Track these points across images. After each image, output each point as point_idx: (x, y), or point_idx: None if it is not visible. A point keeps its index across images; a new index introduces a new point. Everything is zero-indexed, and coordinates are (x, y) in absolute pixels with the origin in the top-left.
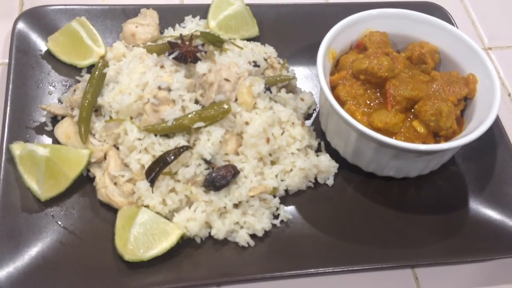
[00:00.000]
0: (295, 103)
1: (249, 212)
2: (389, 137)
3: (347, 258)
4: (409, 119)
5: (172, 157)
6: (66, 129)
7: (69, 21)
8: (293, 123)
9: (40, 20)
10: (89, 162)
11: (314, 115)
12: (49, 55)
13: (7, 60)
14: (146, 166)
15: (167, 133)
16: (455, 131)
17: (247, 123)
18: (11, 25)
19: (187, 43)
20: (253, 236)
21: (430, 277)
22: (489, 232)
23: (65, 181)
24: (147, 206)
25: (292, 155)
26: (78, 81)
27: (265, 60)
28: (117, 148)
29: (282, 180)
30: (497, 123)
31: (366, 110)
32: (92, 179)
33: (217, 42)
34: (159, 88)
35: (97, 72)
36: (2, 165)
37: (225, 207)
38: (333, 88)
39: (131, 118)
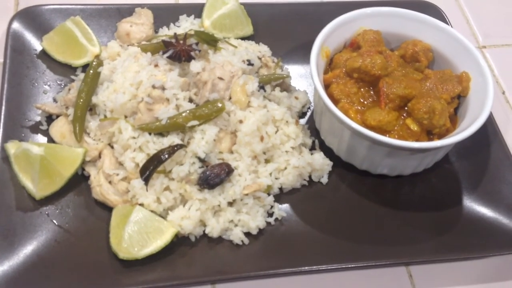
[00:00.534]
0: (289, 101)
1: (243, 210)
2: (382, 135)
3: (341, 255)
4: (402, 117)
5: (166, 156)
6: (60, 128)
7: (63, 20)
8: (287, 121)
9: (35, 19)
10: (84, 160)
11: (308, 114)
12: (44, 55)
13: (2, 60)
14: (141, 165)
15: (161, 132)
16: (448, 129)
17: (241, 122)
18: (6, 24)
19: (181, 42)
20: (247, 234)
21: (424, 275)
22: (483, 230)
23: (60, 179)
24: (141, 205)
25: (286, 153)
26: (73, 80)
27: (259, 58)
28: (112, 147)
29: (276, 178)
30: (490, 121)
31: (359, 108)
32: (87, 177)
33: (211, 41)
34: (153, 87)
35: (91, 71)
36: None
37: (219, 205)
38: (326, 87)
39: (126, 117)
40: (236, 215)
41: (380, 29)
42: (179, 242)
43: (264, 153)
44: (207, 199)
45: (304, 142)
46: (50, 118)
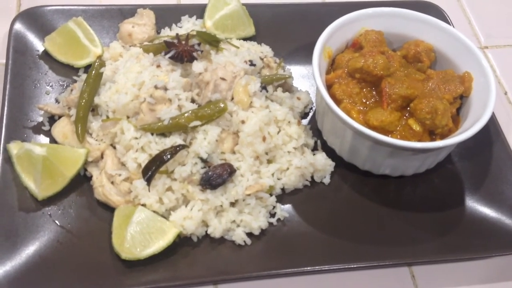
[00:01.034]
0: (291, 102)
1: (245, 211)
2: (384, 135)
3: (344, 256)
4: (404, 117)
5: (169, 156)
6: (63, 129)
7: (66, 21)
8: (289, 122)
9: (37, 20)
10: (86, 161)
11: (310, 114)
12: (46, 55)
13: (4, 60)
14: (143, 165)
15: (163, 132)
16: (450, 129)
17: (243, 122)
18: (8, 25)
19: (183, 42)
20: (249, 234)
21: (427, 275)
22: (485, 230)
23: (62, 180)
24: (143, 205)
25: (289, 153)
26: (75, 81)
27: (261, 59)
28: (114, 147)
29: (278, 179)
30: (493, 121)
31: (361, 108)
32: (89, 178)
33: (213, 42)
34: (156, 87)
35: (93, 72)
36: (0, 164)
37: (221, 206)
38: (329, 87)
39: (128, 117)
40: (238, 216)
41: (382, 29)
42: (181, 242)
43: (266, 153)
44: (209, 199)
45: (306, 143)
46: (52, 119)
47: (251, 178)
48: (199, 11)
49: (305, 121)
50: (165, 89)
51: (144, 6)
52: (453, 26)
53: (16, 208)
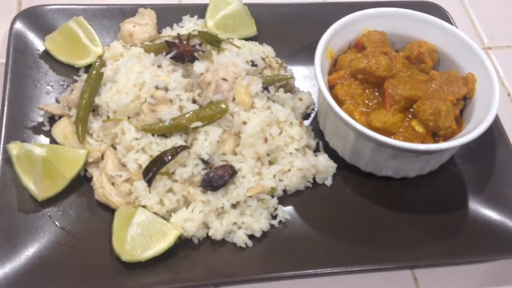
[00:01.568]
0: (293, 102)
1: (247, 213)
2: (387, 137)
3: (346, 258)
4: (407, 118)
5: (170, 157)
6: (63, 129)
7: (66, 20)
8: (291, 122)
9: (38, 19)
10: (86, 162)
11: (312, 115)
12: (47, 55)
13: (5, 60)
14: (144, 166)
15: (164, 133)
16: (454, 131)
17: (244, 123)
18: (8, 24)
19: (184, 42)
20: (251, 236)
21: (429, 278)
22: (489, 233)
23: (62, 181)
24: (144, 207)
25: (290, 155)
26: (76, 81)
27: (263, 59)
28: (115, 148)
29: (280, 180)
30: (496, 123)
31: (364, 109)
32: (89, 179)
33: (215, 42)
34: (157, 87)
35: (94, 72)
36: (0, 165)
37: (222, 208)
38: (331, 88)
39: (129, 118)
40: (239, 218)
41: (384, 30)
42: (182, 244)
43: (268, 154)
44: (210, 201)
45: (308, 144)
46: (52, 119)
47: (253, 180)
48: (200, 11)
49: (307, 122)
50: (166, 89)
51: (145, 6)
52: (456, 27)
53: (16, 209)
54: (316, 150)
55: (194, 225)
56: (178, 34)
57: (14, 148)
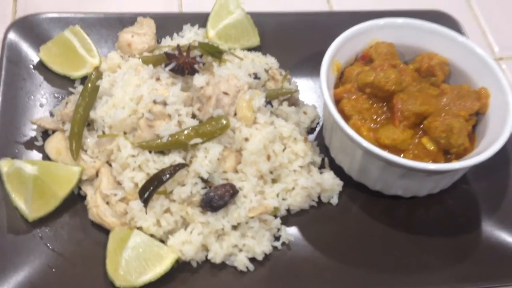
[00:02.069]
0: (297, 117)
1: (248, 234)
2: (397, 155)
3: (352, 283)
4: (418, 135)
5: (167, 176)
6: (56, 144)
7: (62, 30)
8: (295, 138)
9: (32, 29)
10: (80, 179)
11: (317, 129)
12: (41, 66)
13: None
14: (140, 185)
15: (162, 150)
16: (466, 148)
17: (246, 139)
18: (2, 34)
19: (184, 54)
20: (252, 259)
21: None
22: (503, 257)
23: (54, 200)
24: (140, 228)
25: (294, 172)
26: (71, 93)
27: (266, 71)
28: (110, 165)
29: (283, 199)
30: (510, 140)
31: (372, 125)
32: (83, 197)
33: (216, 53)
34: (154, 102)
35: (89, 85)
36: None
37: (223, 229)
38: (337, 102)
39: (125, 133)
40: (240, 240)
41: (393, 41)
42: (180, 268)
43: (271, 172)
44: (210, 222)
45: (313, 161)
46: (46, 134)
47: (255, 199)
48: (201, 20)
49: (311, 137)
50: (165, 104)
51: (144, 15)
52: (467, 37)
53: (5, 229)
54: (322, 167)
55: (193, 248)
56: (178, 45)
57: (5, 165)
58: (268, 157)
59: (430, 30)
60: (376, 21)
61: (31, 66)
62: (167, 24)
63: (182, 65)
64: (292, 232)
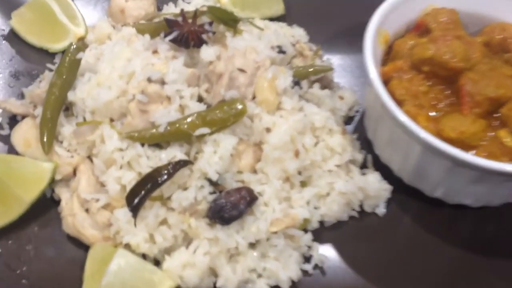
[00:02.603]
0: (332, 102)
1: (270, 255)
2: (466, 152)
3: None
4: (492, 127)
5: (165, 176)
6: (25, 134)
7: None
8: (330, 130)
9: None
10: (53, 179)
11: (356, 119)
12: (13, 36)
13: None
14: (129, 188)
15: (158, 142)
16: None
17: (268, 130)
18: None
19: (190, 21)
20: None
21: None
22: None
23: (18, 206)
24: (127, 245)
25: (330, 173)
26: (51, 70)
27: (293, 45)
28: (91, 161)
29: (315, 208)
30: None
31: (432, 113)
32: (57, 202)
33: (230, 21)
34: (149, 80)
35: (68, 58)
36: None
37: (236, 248)
38: (385, 83)
39: (111, 120)
40: (260, 262)
41: (455, 7)
42: None
43: (300, 173)
44: (219, 238)
45: (353, 158)
46: (14, 120)
47: (279, 209)
48: None
49: (349, 128)
50: (163, 82)
51: None
52: None
53: None
54: (363, 167)
55: (197, 273)
56: (182, 10)
57: None
58: (296, 153)
59: None
60: None
61: (1, 37)
62: None
63: (187, 35)
64: (326, 251)
